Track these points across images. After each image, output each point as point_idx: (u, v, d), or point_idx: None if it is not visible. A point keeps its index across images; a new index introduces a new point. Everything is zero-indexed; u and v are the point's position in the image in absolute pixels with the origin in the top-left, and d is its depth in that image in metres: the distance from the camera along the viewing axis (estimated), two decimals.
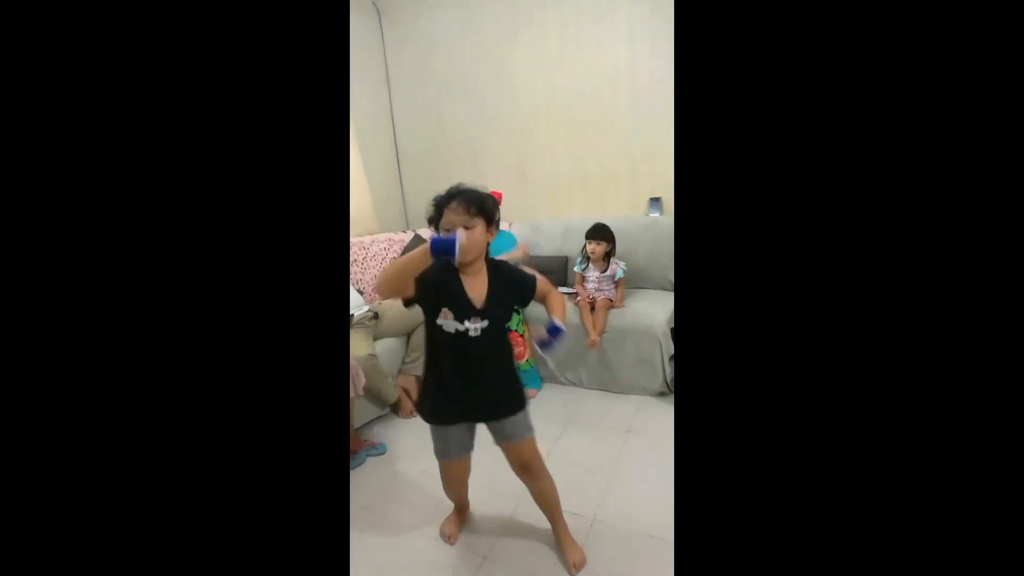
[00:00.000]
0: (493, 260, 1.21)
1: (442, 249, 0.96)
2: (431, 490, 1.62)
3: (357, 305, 2.17)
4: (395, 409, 2.15)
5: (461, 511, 1.49)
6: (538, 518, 1.45)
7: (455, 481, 1.36)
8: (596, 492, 1.57)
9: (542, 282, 1.25)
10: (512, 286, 1.21)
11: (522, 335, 2.25)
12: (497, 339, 1.19)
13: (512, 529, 1.44)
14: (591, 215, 2.60)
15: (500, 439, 1.26)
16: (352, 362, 1.74)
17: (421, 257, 1.00)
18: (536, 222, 2.87)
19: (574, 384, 2.34)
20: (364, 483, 1.71)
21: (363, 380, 1.78)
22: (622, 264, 2.33)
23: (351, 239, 2.55)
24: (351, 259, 2.46)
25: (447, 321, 1.13)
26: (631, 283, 2.45)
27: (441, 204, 1.11)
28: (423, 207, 1.19)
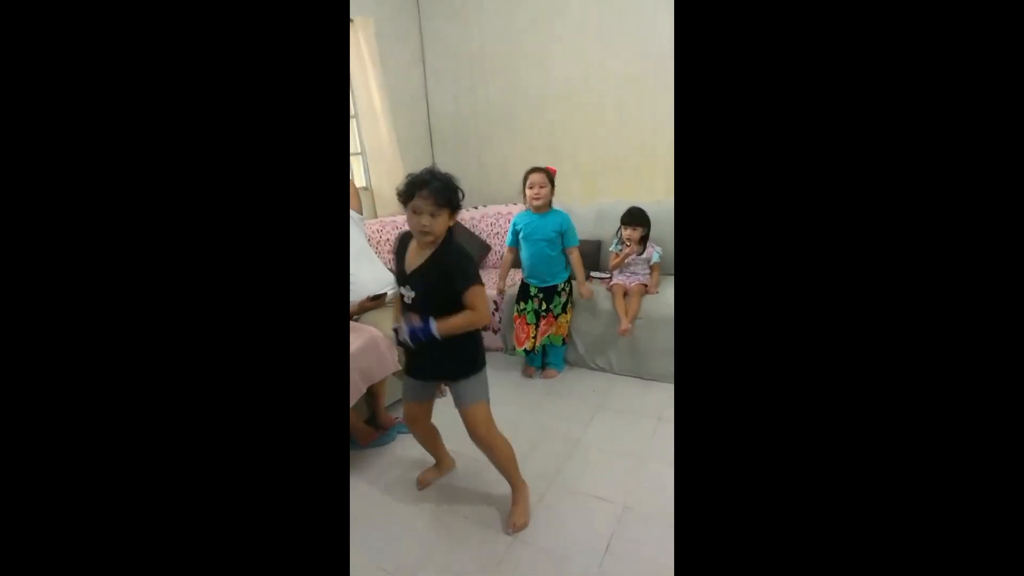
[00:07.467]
0: (449, 243, 1.28)
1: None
2: (460, 467, 1.65)
3: (389, 283, 2.18)
4: None
5: (437, 463, 1.64)
6: (569, 502, 1.46)
7: (410, 421, 1.52)
8: (626, 478, 1.56)
9: (473, 293, 1.23)
10: (447, 272, 1.24)
11: (556, 316, 2.21)
12: (431, 312, 1.25)
13: (544, 508, 1.45)
14: (625, 200, 2.53)
15: (455, 402, 1.37)
16: (386, 339, 1.76)
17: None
18: (569, 206, 2.82)
19: (603, 369, 2.32)
20: (394, 460, 1.74)
21: (396, 354, 1.78)
22: (659, 248, 2.28)
23: (384, 218, 2.55)
24: (384, 238, 2.47)
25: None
26: (665, 270, 2.40)
27: (413, 188, 1.21)
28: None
